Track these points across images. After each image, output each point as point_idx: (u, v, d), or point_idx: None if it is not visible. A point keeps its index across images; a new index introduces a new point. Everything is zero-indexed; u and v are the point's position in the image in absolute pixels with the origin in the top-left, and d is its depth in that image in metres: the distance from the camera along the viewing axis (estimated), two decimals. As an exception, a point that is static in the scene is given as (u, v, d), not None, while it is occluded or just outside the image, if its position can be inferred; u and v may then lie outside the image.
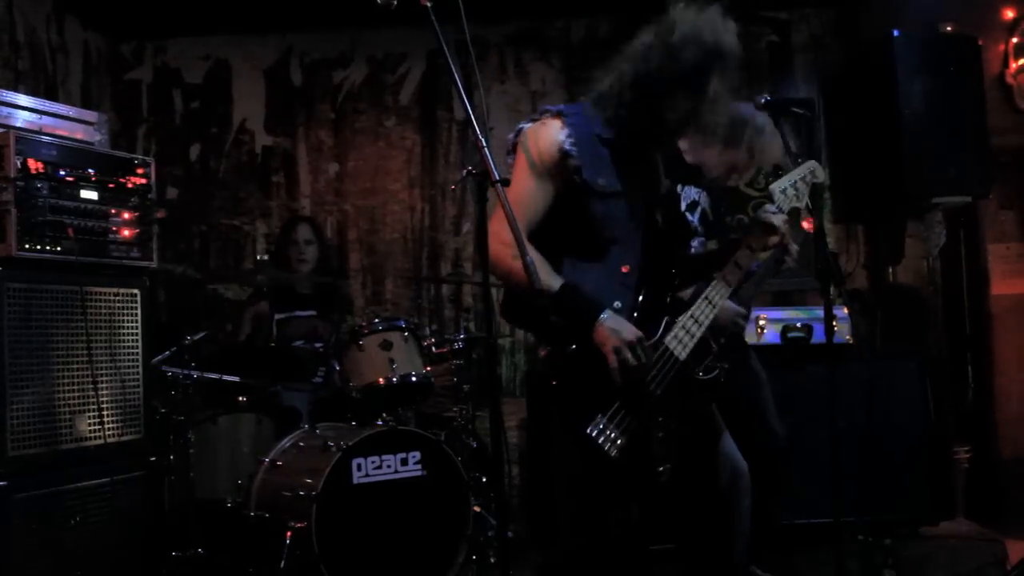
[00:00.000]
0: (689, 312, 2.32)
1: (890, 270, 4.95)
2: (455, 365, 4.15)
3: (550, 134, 2.29)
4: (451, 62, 2.07)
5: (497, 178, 1.98)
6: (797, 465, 3.56)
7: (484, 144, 2.00)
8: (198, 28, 5.17)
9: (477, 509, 3.74)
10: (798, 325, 4.25)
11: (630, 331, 2.18)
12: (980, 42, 4.28)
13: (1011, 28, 4.59)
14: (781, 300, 4.90)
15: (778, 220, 2.46)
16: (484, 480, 3.96)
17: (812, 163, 2.62)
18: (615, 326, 2.18)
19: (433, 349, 4.14)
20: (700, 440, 2.41)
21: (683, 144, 3.32)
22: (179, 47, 5.29)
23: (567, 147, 2.26)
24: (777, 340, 4.22)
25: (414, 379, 3.80)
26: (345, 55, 5.28)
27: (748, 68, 5.13)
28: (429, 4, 2.03)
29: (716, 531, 2.48)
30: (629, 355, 2.15)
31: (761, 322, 4.20)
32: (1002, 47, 4.57)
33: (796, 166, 2.91)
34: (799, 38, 5.19)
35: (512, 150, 2.38)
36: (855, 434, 3.74)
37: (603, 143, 2.31)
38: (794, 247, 3.30)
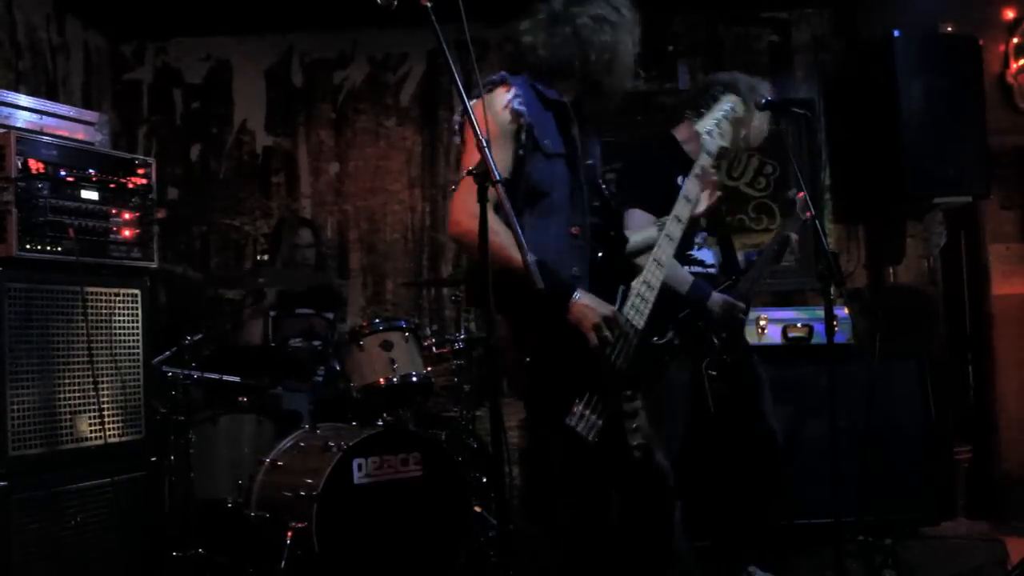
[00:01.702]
0: (641, 277, 2.31)
1: (890, 270, 4.95)
2: (455, 365, 4.15)
3: (501, 99, 2.32)
4: (451, 62, 2.07)
5: (498, 177, 1.97)
6: (797, 465, 3.56)
7: (484, 144, 2.00)
8: (198, 28, 5.17)
9: (477, 509, 3.73)
10: (798, 325, 4.25)
11: (605, 306, 2.19)
12: (980, 42, 4.29)
13: (1011, 28, 4.59)
14: (781, 300, 4.90)
15: (704, 161, 2.52)
16: (484, 480, 3.96)
17: (733, 98, 2.68)
18: (590, 302, 2.18)
19: (433, 349, 4.14)
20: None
21: (681, 134, 3.33)
22: (180, 47, 5.29)
23: (516, 106, 2.29)
24: (777, 340, 4.22)
25: (414, 379, 3.80)
26: (345, 55, 5.28)
27: (748, 68, 5.13)
28: (429, 4, 2.03)
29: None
30: (608, 332, 2.15)
31: (761, 322, 4.20)
32: (1002, 47, 4.57)
33: (798, 168, 2.92)
34: (799, 38, 5.19)
35: (459, 130, 2.41)
36: (855, 434, 3.74)
37: (547, 106, 2.36)
38: (794, 236, 3.31)
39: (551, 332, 2.19)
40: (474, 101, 2.30)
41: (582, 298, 2.18)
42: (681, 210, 2.42)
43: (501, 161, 2.25)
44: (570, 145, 2.38)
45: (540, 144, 2.31)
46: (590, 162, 2.47)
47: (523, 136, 2.29)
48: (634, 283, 2.30)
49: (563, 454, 2.21)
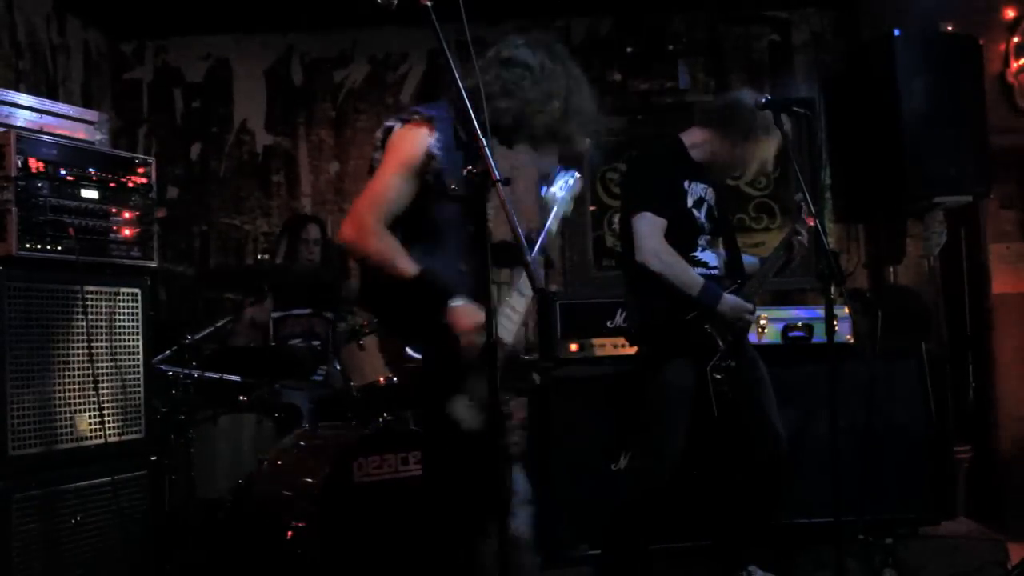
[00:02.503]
0: (507, 301, 2.45)
1: (891, 270, 4.95)
2: (455, 365, 4.13)
3: (420, 138, 2.40)
4: (451, 62, 2.07)
5: (498, 177, 1.98)
6: (797, 465, 3.56)
7: (484, 144, 2.00)
8: (199, 27, 5.17)
9: (477, 509, 3.73)
10: (798, 325, 4.25)
11: (480, 313, 2.28)
12: (980, 41, 4.28)
13: (1011, 28, 4.59)
14: (781, 299, 4.90)
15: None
16: (484, 480, 3.95)
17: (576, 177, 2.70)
18: (469, 309, 2.31)
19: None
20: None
21: (690, 139, 3.32)
22: (180, 46, 5.30)
23: (434, 151, 2.39)
24: (777, 340, 4.22)
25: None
26: (346, 54, 5.28)
27: (748, 68, 5.14)
28: (429, 4, 2.03)
29: None
30: (475, 337, 2.27)
31: (762, 321, 4.20)
32: (1002, 47, 4.57)
33: (798, 168, 2.90)
34: (800, 37, 5.19)
35: (380, 146, 2.49)
36: (855, 434, 3.74)
37: (459, 146, 2.42)
38: (802, 236, 3.30)
39: (435, 331, 2.33)
40: (399, 125, 2.45)
41: (462, 304, 2.31)
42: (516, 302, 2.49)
43: (402, 195, 2.40)
44: (475, 188, 2.44)
45: (444, 186, 2.40)
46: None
47: (429, 178, 2.39)
48: (503, 306, 2.43)
49: (449, 440, 2.35)
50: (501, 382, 2.30)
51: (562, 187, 2.67)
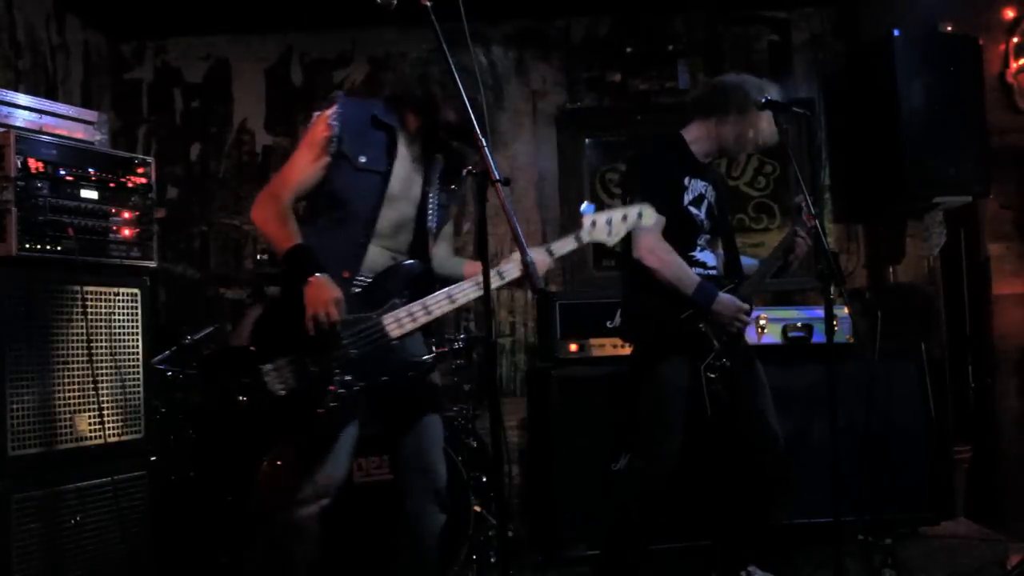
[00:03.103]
0: (423, 301, 2.50)
1: (890, 270, 4.95)
2: (455, 365, 4.15)
3: (325, 116, 2.56)
4: (451, 62, 2.07)
5: (498, 177, 1.98)
6: (797, 465, 3.56)
7: (484, 144, 2.00)
8: (198, 28, 5.16)
9: (477, 509, 3.73)
10: (798, 325, 4.25)
11: (330, 292, 2.39)
12: (980, 42, 4.28)
13: (1011, 28, 4.58)
14: (781, 300, 4.90)
15: (560, 249, 2.54)
16: (484, 480, 3.96)
17: (644, 205, 2.59)
18: (321, 284, 2.38)
19: (433, 349, 4.14)
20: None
21: (691, 135, 3.32)
22: (179, 47, 5.29)
23: (331, 121, 2.52)
24: (777, 340, 4.22)
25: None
26: (345, 54, 5.28)
27: (748, 68, 5.14)
28: (429, 3, 2.03)
29: None
30: (323, 311, 2.35)
31: (761, 322, 4.20)
32: (1002, 47, 4.57)
33: (798, 168, 2.88)
34: (799, 37, 5.19)
35: (309, 126, 2.62)
36: (855, 434, 3.74)
37: (379, 126, 2.57)
38: (802, 239, 3.29)
39: (286, 296, 2.47)
40: (318, 112, 2.59)
41: (320, 278, 2.39)
42: (509, 270, 2.50)
43: (306, 172, 2.55)
44: (398, 166, 2.58)
45: (350, 156, 2.53)
46: (427, 189, 2.65)
47: (332, 147, 2.52)
48: (413, 303, 2.50)
49: (253, 396, 2.45)
50: (362, 366, 2.42)
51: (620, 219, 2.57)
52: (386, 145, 2.58)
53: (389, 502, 3.39)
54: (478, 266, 2.56)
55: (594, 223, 2.53)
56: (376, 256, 2.57)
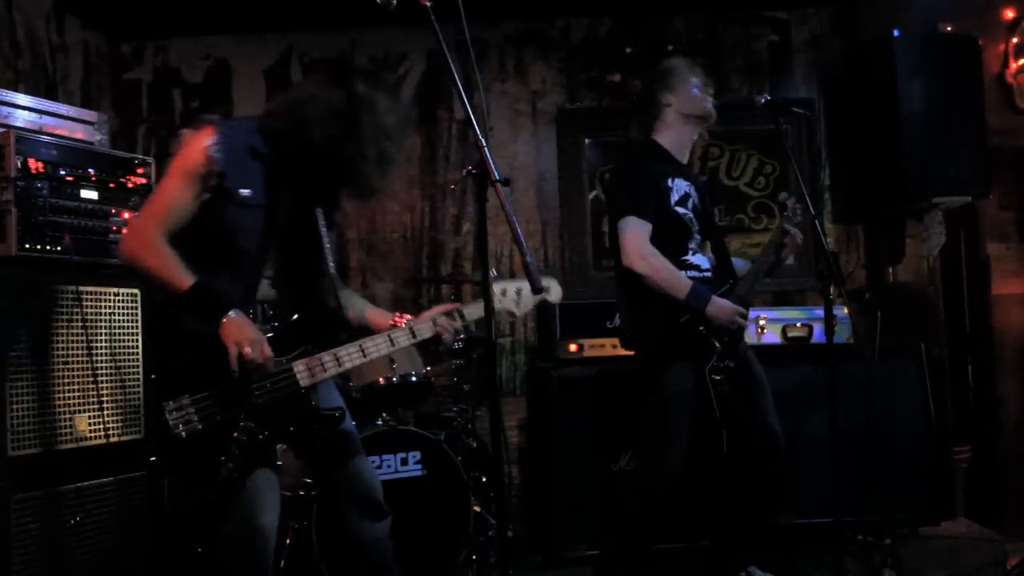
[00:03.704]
0: (334, 351, 2.41)
1: (890, 270, 4.95)
2: (455, 365, 4.15)
3: (200, 140, 2.35)
4: (451, 62, 2.08)
5: (497, 177, 1.98)
6: (797, 465, 3.56)
7: (484, 144, 2.00)
8: (198, 28, 5.16)
9: (477, 509, 3.74)
10: (798, 325, 4.25)
11: (253, 331, 2.29)
12: (980, 42, 4.28)
13: (1011, 28, 4.59)
14: (781, 300, 4.91)
15: (471, 315, 2.50)
16: (484, 480, 3.97)
17: (551, 280, 2.56)
18: (241, 323, 2.28)
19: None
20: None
21: (660, 135, 3.33)
22: (179, 47, 5.29)
23: (211, 153, 2.32)
24: (777, 340, 4.22)
25: (414, 379, 3.80)
26: (346, 55, 5.28)
27: (748, 68, 5.14)
28: (429, 4, 2.03)
29: None
30: (248, 350, 2.24)
31: (761, 322, 4.21)
32: (1002, 47, 4.57)
33: (798, 168, 2.86)
34: (799, 38, 5.19)
35: (177, 146, 2.45)
36: (855, 434, 3.75)
37: (257, 156, 2.39)
38: (792, 230, 3.30)
39: (197, 336, 2.29)
40: (189, 130, 2.41)
41: (236, 316, 2.28)
42: (399, 336, 2.47)
43: (182, 203, 2.33)
44: (278, 197, 2.42)
45: (231, 191, 2.34)
46: (323, 227, 2.53)
47: (212, 181, 2.33)
48: (324, 353, 2.41)
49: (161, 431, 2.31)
50: (268, 414, 2.32)
51: None
52: (265, 176, 2.41)
53: (389, 501, 3.41)
54: (382, 315, 2.58)
55: (504, 291, 2.50)
56: (267, 291, 2.47)
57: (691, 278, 3.16)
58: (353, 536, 2.55)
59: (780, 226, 3.31)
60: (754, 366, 3.31)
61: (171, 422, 2.25)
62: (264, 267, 2.45)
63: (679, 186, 3.27)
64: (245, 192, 2.36)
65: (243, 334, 2.25)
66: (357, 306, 2.64)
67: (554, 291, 2.56)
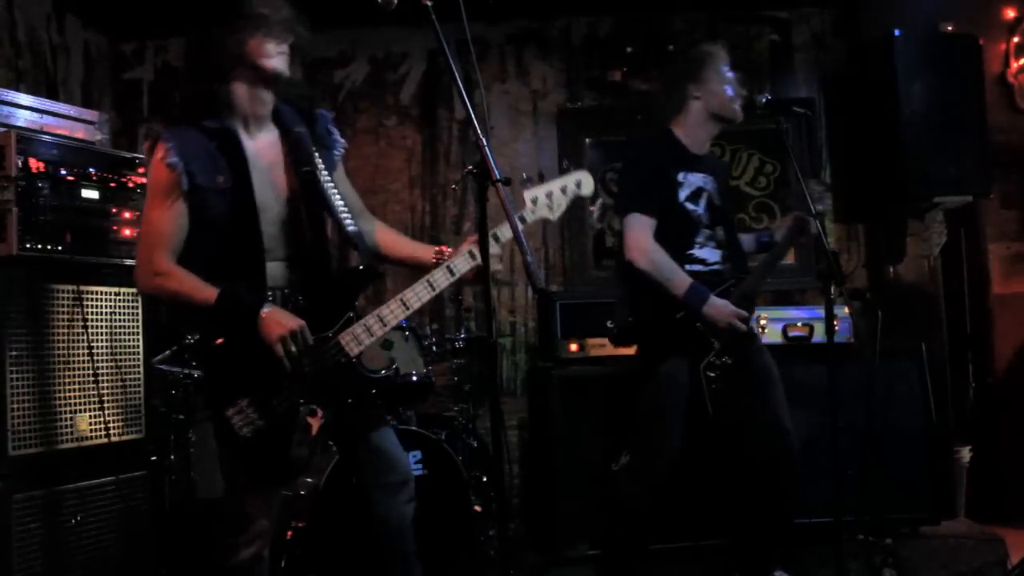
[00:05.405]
0: (378, 311, 2.40)
1: (891, 269, 4.95)
2: (455, 365, 4.15)
3: (156, 156, 2.34)
4: (452, 62, 2.08)
5: (498, 177, 1.98)
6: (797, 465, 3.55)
7: (485, 143, 2.00)
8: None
9: (478, 509, 3.74)
10: (799, 324, 4.25)
11: (291, 319, 2.29)
12: (981, 41, 4.28)
13: (1011, 27, 4.59)
14: (782, 299, 4.90)
15: (504, 234, 2.42)
16: (485, 480, 3.96)
17: (581, 173, 2.55)
18: (278, 316, 2.28)
19: (434, 348, 4.14)
20: None
21: (679, 127, 3.30)
22: (180, 46, 5.29)
23: (169, 160, 2.31)
24: (777, 339, 4.22)
25: (415, 379, 3.80)
26: (346, 54, 5.27)
27: (749, 68, 5.14)
28: (429, 4, 2.03)
29: None
30: (291, 344, 2.26)
31: (762, 321, 4.20)
32: (1003, 46, 4.58)
33: (798, 167, 2.87)
34: (800, 37, 5.19)
35: (147, 155, 2.43)
36: (855, 434, 3.74)
37: (211, 136, 2.36)
38: (808, 225, 3.27)
39: (235, 337, 2.30)
40: (144, 157, 2.44)
41: (271, 311, 2.29)
42: (439, 278, 2.42)
43: (173, 222, 2.33)
44: (241, 169, 2.38)
45: (204, 185, 2.33)
46: (307, 168, 2.46)
47: (184, 186, 2.32)
48: (367, 316, 2.40)
49: (219, 440, 2.33)
50: (324, 391, 2.32)
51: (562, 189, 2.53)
52: (230, 152, 2.37)
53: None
54: (430, 250, 2.54)
55: (535, 200, 2.47)
56: (278, 272, 2.44)
57: (696, 273, 3.15)
58: (376, 513, 2.51)
59: (796, 214, 3.29)
60: (766, 360, 3.26)
61: (235, 427, 2.27)
62: (263, 244, 2.39)
63: (692, 180, 3.24)
64: (220, 178, 2.35)
65: (283, 326, 2.26)
66: (394, 239, 2.66)
67: (585, 184, 2.54)
